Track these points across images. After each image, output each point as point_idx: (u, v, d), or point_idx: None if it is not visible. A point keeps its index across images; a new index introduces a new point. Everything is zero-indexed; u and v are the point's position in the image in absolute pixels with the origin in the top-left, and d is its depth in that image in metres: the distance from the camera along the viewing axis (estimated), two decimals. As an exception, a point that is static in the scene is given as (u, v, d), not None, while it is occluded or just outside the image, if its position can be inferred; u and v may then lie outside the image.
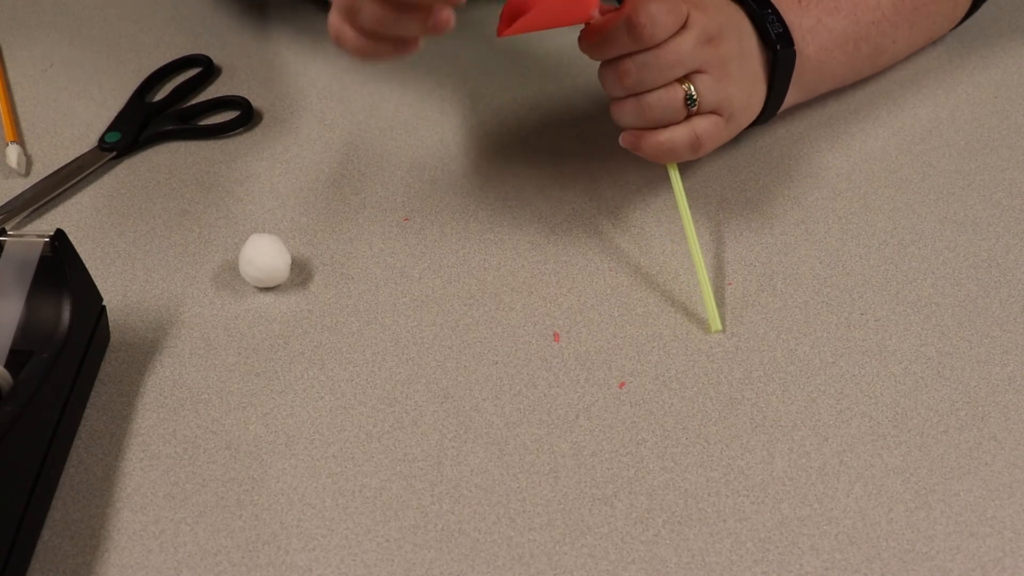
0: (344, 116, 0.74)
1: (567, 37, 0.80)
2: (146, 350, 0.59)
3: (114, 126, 0.73)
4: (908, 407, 0.55)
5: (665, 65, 0.58)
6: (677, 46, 0.58)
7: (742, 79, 0.62)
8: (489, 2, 0.84)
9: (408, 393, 0.57)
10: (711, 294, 0.60)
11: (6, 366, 0.51)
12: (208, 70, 0.78)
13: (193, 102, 0.76)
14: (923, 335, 0.59)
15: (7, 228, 0.63)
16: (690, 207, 0.61)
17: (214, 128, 0.73)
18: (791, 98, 0.68)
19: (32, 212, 0.68)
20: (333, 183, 0.69)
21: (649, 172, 0.68)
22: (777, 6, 0.64)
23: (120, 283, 0.63)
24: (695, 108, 0.59)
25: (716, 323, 0.59)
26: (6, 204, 0.67)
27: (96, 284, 0.59)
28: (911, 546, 0.50)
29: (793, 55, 0.64)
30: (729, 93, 0.61)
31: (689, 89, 0.59)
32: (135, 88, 0.76)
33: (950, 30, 0.76)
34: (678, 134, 0.60)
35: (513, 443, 0.54)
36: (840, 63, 0.69)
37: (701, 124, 0.60)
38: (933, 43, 0.78)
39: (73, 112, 0.75)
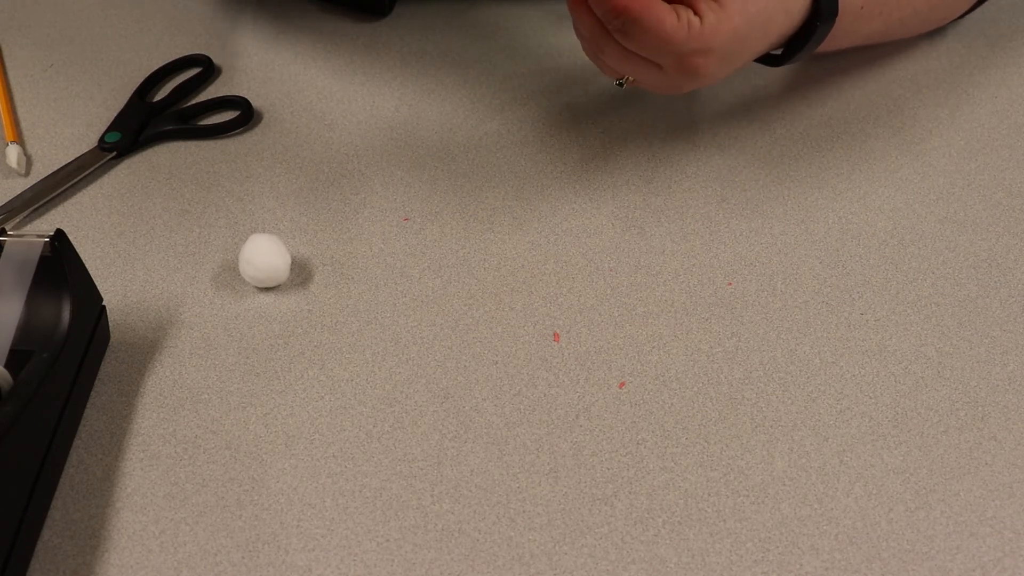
0: (344, 116, 0.74)
1: (566, 37, 0.81)
2: (146, 350, 0.59)
3: (114, 126, 0.73)
4: (908, 407, 0.55)
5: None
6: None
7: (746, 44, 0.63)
8: (489, 2, 0.84)
9: (408, 393, 0.57)
10: None
11: (6, 366, 0.51)
12: (208, 70, 0.78)
13: (193, 102, 0.76)
14: (923, 335, 0.59)
15: (7, 228, 0.63)
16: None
17: (214, 128, 0.73)
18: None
19: (32, 212, 0.67)
20: (333, 183, 0.69)
21: (649, 172, 0.69)
22: None
23: (120, 283, 0.63)
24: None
25: None
26: (6, 204, 0.67)
27: (96, 284, 0.59)
28: (911, 546, 0.50)
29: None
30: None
31: None
32: (135, 88, 0.76)
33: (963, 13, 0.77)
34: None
35: (513, 443, 0.54)
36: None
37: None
38: (933, 43, 0.78)
39: (73, 112, 0.75)
